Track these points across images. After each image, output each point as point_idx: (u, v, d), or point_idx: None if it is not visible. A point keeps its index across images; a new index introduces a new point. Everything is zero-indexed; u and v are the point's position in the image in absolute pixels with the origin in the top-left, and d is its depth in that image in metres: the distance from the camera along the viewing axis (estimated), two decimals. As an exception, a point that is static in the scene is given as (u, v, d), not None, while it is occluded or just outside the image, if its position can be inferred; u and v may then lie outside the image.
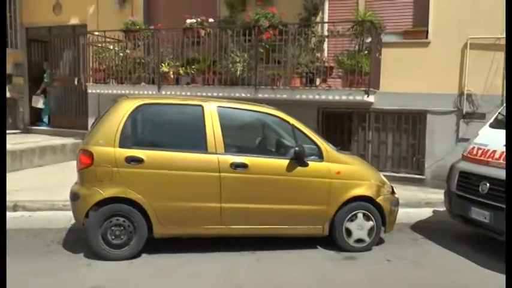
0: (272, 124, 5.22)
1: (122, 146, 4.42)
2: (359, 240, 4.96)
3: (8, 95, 11.60)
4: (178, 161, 4.50)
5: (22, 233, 5.36)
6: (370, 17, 7.23)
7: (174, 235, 4.72)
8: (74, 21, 11.26)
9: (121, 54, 8.98)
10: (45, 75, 12.07)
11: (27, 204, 6.24)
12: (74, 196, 4.55)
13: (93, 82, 9.47)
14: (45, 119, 12.31)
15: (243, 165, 4.61)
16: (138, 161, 4.41)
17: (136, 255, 4.57)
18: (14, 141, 9.65)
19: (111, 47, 9.10)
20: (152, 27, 8.97)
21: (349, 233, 4.93)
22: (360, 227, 4.93)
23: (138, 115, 4.63)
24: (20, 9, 11.83)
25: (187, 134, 4.80)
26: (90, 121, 10.38)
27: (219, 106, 4.76)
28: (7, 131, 11.66)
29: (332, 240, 5.04)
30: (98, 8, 10.25)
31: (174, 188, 4.48)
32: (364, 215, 4.94)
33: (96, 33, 9.29)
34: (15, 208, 6.19)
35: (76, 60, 11.39)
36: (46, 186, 7.17)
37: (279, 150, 4.99)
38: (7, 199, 6.31)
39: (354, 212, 4.92)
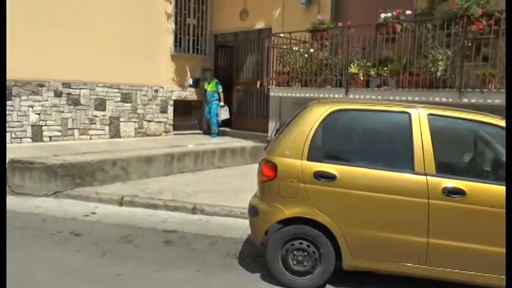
0: (493, 138, 4.00)
1: (310, 158, 3.77)
2: None
3: (195, 97, 12.23)
4: (377, 181, 3.66)
5: (199, 239, 5.17)
6: None
7: (367, 269, 3.89)
8: (259, 25, 11.27)
9: (306, 55, 8.49)
10: (216, 84, 11.52)
11: (205, 208, 6.11)
12: (253, 211, 4.07)
13: (276, 85, 9.21)
14: (215, 130, 11.57)
15: (460, 192, 3.55)
16: (329, 177, 3.71)
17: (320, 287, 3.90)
18: (198, 142, 9.96)
19: (296, 49, 8.68)
20: (341, 24, 8.27)
21: None
22: None
23: (331, 123, 3.90)
24: (211, 17, 12.34)
25: (390, 147, 3.94)
26: (271, 124, 10.21)
27: (429, 114, 3.76)
28: (193, 131, 12.55)
29: None
30: (284, 10, 10.01)
31: (371, 213, 3.67)
32: None
33: (281, 34, 8.98)
34: (194, 211, 6.12)
35: (259, 63, 11.40)
36: (224, 190, 7.04)
37: (499, 172, 3.77)
38: (189, 200, 6.37)
39: None
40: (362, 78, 7.68)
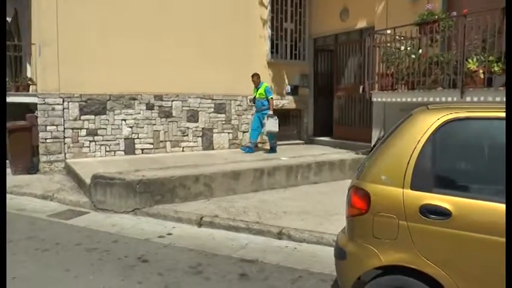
0: None
1: (415, 187, 2.70)
2: None
3: (293, 106, 11.46)
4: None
5: (281, 273, 4.33)
6: None
7: None
8: (360, 24, 10.18)
9: (413, 53, 7.24)
10: (265, 90, 9.66)
11: (292, 233, 5.23)
12: (339, 253, 3.08)
13: (379, 89, 8.05)
14: (251, 144, 9.88)
15: None
16: (442, 214, 2.60)
17: None
18: (293, 153, 9.13)
19: (401, 47, 7.47)
20: (455, 14, 6.90)
21: None
22: None
23: (444, 137, 2.77)
24: (309, 21, 11.51)
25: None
26: (374, 133, 9.07)
27: None
28: (292, 141, 11.76)
29: None
30: (388, 4, 8.81)
31: (503, 267, 2.43)
32: None
33: (388, 31, 7.82)
34: (279, 235, 5.28)
35: (361, 66, 10.28)
36: (317, 210, 6.10)
37: None
38: (275, 223, 5.54)
39: None
40: (482, 76, 6.21)
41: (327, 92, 11.57)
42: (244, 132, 10.79)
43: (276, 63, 11.10)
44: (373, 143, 9.18)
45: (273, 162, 7.75)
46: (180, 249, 4.99)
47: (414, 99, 7.07)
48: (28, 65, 10.23)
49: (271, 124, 9.36)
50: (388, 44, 7.76)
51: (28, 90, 9.50)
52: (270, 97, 9.57)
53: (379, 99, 8.09)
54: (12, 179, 8.16)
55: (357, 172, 3.17)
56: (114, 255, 4.75)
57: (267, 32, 10.91)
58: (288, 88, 11.36)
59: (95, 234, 5.47)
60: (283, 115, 11.48)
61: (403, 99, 7.41)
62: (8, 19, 13.95)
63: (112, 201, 6.34)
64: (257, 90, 9.70)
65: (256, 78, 9.69)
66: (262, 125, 9.59)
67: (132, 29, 9.24)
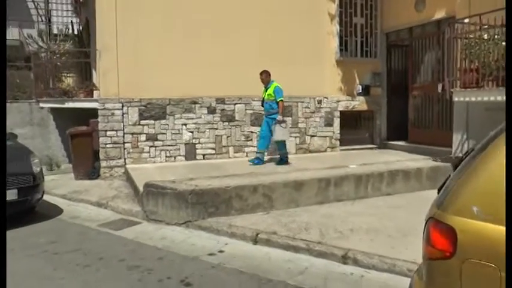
0: None
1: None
2: None
3: (365, 107, 10.60)
4: None
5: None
6: None
7: None
8: (438, 15, 9.10)
9: (502, 43, 6.18)
10: (274, 90, 8.20)
11: (359, 258, 4.50)
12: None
13: (461, 87, 7.03)
14: (261, 154, 8.44)
15: None
16: None
17: None
18: (364, 159, 8.31)
19: (487, 36, 6.43)
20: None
21: None
22: None
23: None
24: (381, 14, 10.57)
25: None
26: (455, 138, 8.06)
27: None
28: (363, 146, 10.89)
29: None
30: (471, -10, 7.72)
31: None
32: None
33: (466, 20, 6.81)
34: (344, 259, 4.56)
35: (440, 62, 9.21)
36: (389, 228, 5.30)
37: None
38: (340, 244, 4.83)
39: None
40: None
41: (402, 91, 10.53)
42: (312, 136, 10.10)
43: (346, 62, 10.29)
44: (454, 148, 8.16)
45: (341, 171, 6.99)
46: (229, 271, 4.44)
47: (502, 98, 6.03)
48: (94, 71, 10.28)
49: (280, 132, 8.05)
50: (471, 35, 6.73)
51: (92, 96, 9.49)
52: (279, 99, 8.07)
53: (461, 99, 7.07)
54: (73, 185, 8.12)
55: (437, 197, 2.39)
56: (156, 276, 4.29)
57: (335, 28, 10.13)
58: (359, 88, 10.51)
59: (142, 248, 5.08)
60: (353, 117, 10.69)
61: (491, 98, 6.37)
62: (79, 27, 14.40)
63: (164, 212, 5.95)
64: (266, 91, 8.32)
65: (264, 76, 8.31)
66: (271, 131, 8.19)
67: (192, 31, 8.92)
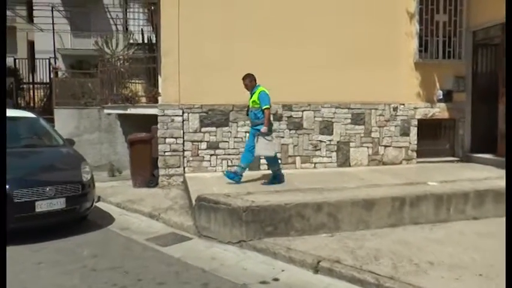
0: None
1: None
2: None
3: (446, 115, 9.51)
4: None
5: None
6: None
7: None
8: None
9: None
10: (259, 96, 6.87)
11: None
12: None
13: None
14: (239, 170, 7.09)
15: None
16: None
17: None
18: (445, 175, 7.32)
19: None
20: None
21: None
22: None
23: None
24: (467, 10, 9.44)
25: None
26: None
27: None
28: (443, 159, 9.77)
29: None
30: None
31: None
32: None
33: None
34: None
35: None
36: (478, 263, 4.37)
37: None
38: (416, 282, 4.01)
39: None
40: None
41: (490, 97, 9.29)
42: (386, 146, 9.19)
43: (425, 64, 9.28)
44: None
45: (418, 189, 6.09)
46: (283, 306, 3.80)
47: None
48: (160, 77, 10.13)
49: (263, 145, 6.67)
50: None
51: (157, 102, 9.28)
52: (264, 107, 6.74)
53: None
54: (129, 193, 7.89)
55: None
56: (197, 309, 3.75)
57: (415, 27, 9.16)
58: (440, 94, 9.44)
59: (186, 270, 4.57)
60: (433, 126, 9.62)
61: None
62: (150, 35, 14.53)
63: (216, 228, 5.42)
64: (251, 97, 7.04)
65: (248, 80, 7.01)
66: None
67: (256, 35, 8.40)
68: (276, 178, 7.14)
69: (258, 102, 6.83)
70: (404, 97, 9.25)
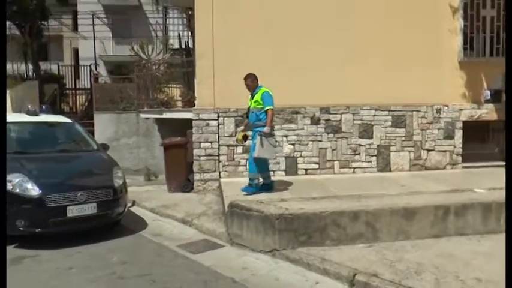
0: None
1: None
2: None
3: (494, 116, 8.97)
4: None
5: None
6: None
7: None
8: None
9: None
10: (262, 97, 6.58)
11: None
12: None
13: None
14: (253, 180, 6.58)
15: None
16: None
17: None
18: (494, 181, 6.85)
19: None
20: None
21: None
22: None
23: None
24: (518, 5, 8.88)
25: None
26: None
27: None
28: (491, 163, 9.18)
29: None
30: None
31: None
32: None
33: None
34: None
35: None
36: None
37: None
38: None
39: None
40: None
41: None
42: (429, 150, 8.75)
43: (471, 63, 8.78)
44: None
45: (464, 197, 5.70)
46: (316, 322, 3.57)
47: None
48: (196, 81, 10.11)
49: (265, 147, 6.31)
50: None
51: (193, 105, 9.23)
52: (268, 107, 6.44)
53: None
54: (164, 197, 7.86)
55: None
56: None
57: (459, 23, 8.68)
58: (487, 94, 8.91)
59: (216, 280, 4.42)
60: (479, 129, 9.10)
61: None
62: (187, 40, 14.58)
63: (249, 236, 5.25)
64: (252, 98, 6.71)
65: (250, 80, 6.70)
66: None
67: (292, 35, 8.22)
68: (268, 185, 6.75)
69: (261, 102, 6.51)
70: (448, 98, 8.79)
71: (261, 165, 6.56)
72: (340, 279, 4.30)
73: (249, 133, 6.73)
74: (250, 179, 6.57)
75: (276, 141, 6.79)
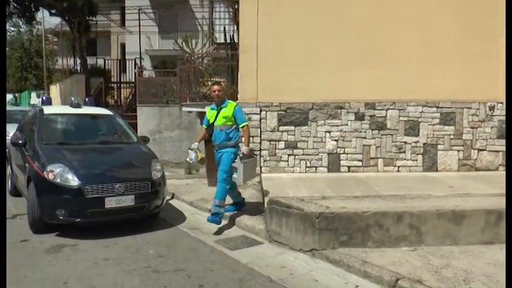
0: None
1: None
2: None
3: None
4: None
5: None
6: None
7: None
8: None
9: None
10: (235, 112, 5.91)
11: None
12: None
13: None
14: (217, 208, 5.73)
15: None
16: None
17: None
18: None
19: None
20: None
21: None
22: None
23: None
24: None
25: None
26: None
27: None
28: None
29: None
30: None
31: None
32: None
33: None
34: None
35: None
36: None
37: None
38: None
39: None
40: None
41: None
42: (480, 150, 8.29)
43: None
44: None
45: (518, 200, 5.34)
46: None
47: None
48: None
49: (250, 170, 5.86)
50: None
51: (235, 99, 9.18)
52: (244, 124, 5.83)
53: None
54: (204, 191, 7.82)
55: None
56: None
57: (518, 14, 8.18)
58: (546, 92, 8.35)
59: (252, 278, 4.31)
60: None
61: None
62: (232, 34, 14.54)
63: (288, 234, 5.11)
64: (218, 112, 5.88)
65: (221, 88, 5.94)
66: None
67: (339, 28, 8.01)
68: (239, 204, 6.41)
69: (233, 119, 5.82)
70: (503, 94, 8.26)
71: (225, 191, 5.82)
72: (381, 284, 4.10)
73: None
74: (217, 206, 5.70)
75: (255, 158, 6.24)
